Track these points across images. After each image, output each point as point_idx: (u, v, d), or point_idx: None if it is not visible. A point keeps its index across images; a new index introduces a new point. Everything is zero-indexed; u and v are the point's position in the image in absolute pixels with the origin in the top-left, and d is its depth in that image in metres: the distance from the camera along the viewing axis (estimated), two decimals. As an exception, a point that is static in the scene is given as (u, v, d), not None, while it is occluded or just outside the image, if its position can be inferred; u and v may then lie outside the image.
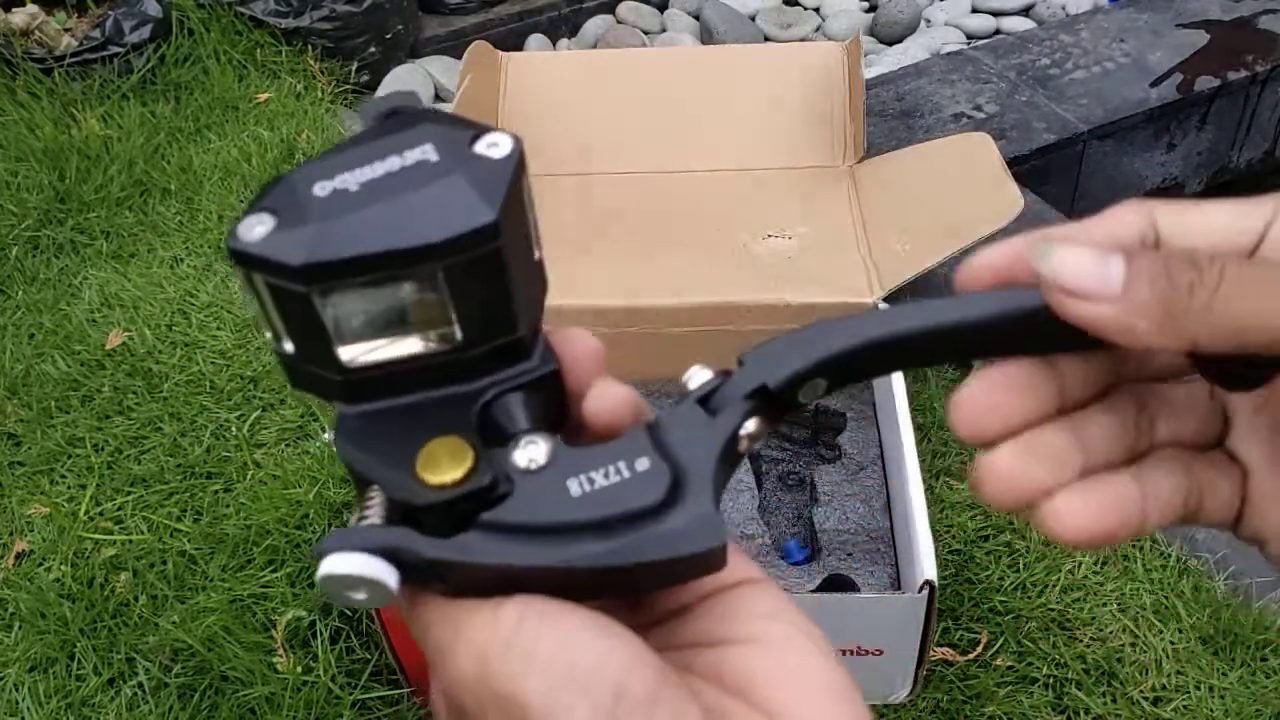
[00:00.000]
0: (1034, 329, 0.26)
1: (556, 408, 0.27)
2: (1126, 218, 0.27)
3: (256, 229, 0.24)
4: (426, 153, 0.25)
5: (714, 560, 0.25)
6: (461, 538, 0.24)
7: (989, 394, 0.27)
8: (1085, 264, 0.25)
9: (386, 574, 0.24)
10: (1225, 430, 0.29)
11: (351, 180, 0.24)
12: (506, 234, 0.24)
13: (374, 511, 0.25)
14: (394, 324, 0.25)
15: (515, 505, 0.25)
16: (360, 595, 0.24)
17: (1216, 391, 0.29)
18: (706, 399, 0.27)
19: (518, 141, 0.25)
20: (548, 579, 0.24)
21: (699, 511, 0.25)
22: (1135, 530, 0.27)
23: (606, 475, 0.25)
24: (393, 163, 0.24)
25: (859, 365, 0.27)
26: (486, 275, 0.25)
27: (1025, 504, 0.27)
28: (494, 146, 0.25)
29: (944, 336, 0.27)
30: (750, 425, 0.27)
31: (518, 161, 0.25)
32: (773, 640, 0.26)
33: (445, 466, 0.25)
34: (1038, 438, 0.27)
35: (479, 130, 0.25)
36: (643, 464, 0.25)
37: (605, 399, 0.27)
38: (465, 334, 0.25)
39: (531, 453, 0.25)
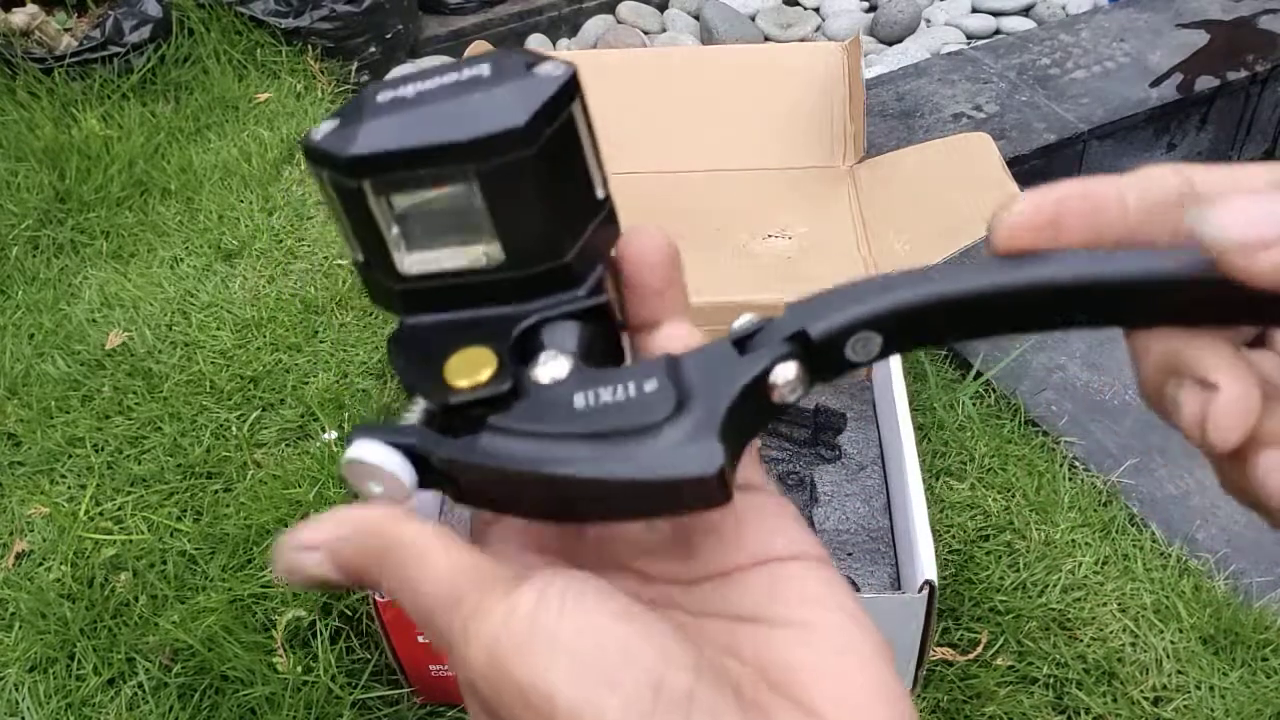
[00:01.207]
0: (1196, 295, 0.24)
1: (601, 340, 0.27)
2: (1168, 178, 0.26)
3: (324, 128, 0.26)
4: (482, 70, 0.26)
5: (705, 491, 0.24)
6: (469, 439, 0.25)
7: (1250, 394, 0.24)
8: (1254, 212, 0.22)
9: (402, 469, 0.25)
10: None
11: (410, 90, 0.26)
12: (545, 150, 0.25)
13: (411, 416, 0.26)
14: (443, 234, 0.26)
15: (520, 412, 0.25)
16: (378, 488, 0.25)
17: None
18: (743, 340, 0.26)
19: (572, 68, 0.26)
20: (534, 488, 0.24)
21: (693, 436, 0.24)
22: None
23: (613, 393, 0.25)
24: (450, 78, 0.26)
25: (927, 325, 0.25)
26: (523, 188, 0.25)
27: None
28: (549, 69, 0.26)
29: (1048, 299, 0.25)
30: (785, 371, 0.25)
31: (565, 84, 0.26)
32: (822, 630, 0.25)
33: (467, 371, 0.26)
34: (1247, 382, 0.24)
35: (541, 58, 0.26)
36: (650, 385, 0.25)
37: (639, 237, 0.27)
38: (508, 253, 0.26)
39: (552, 369, 0.26)
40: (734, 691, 0.23)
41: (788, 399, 0.25)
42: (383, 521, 0.25)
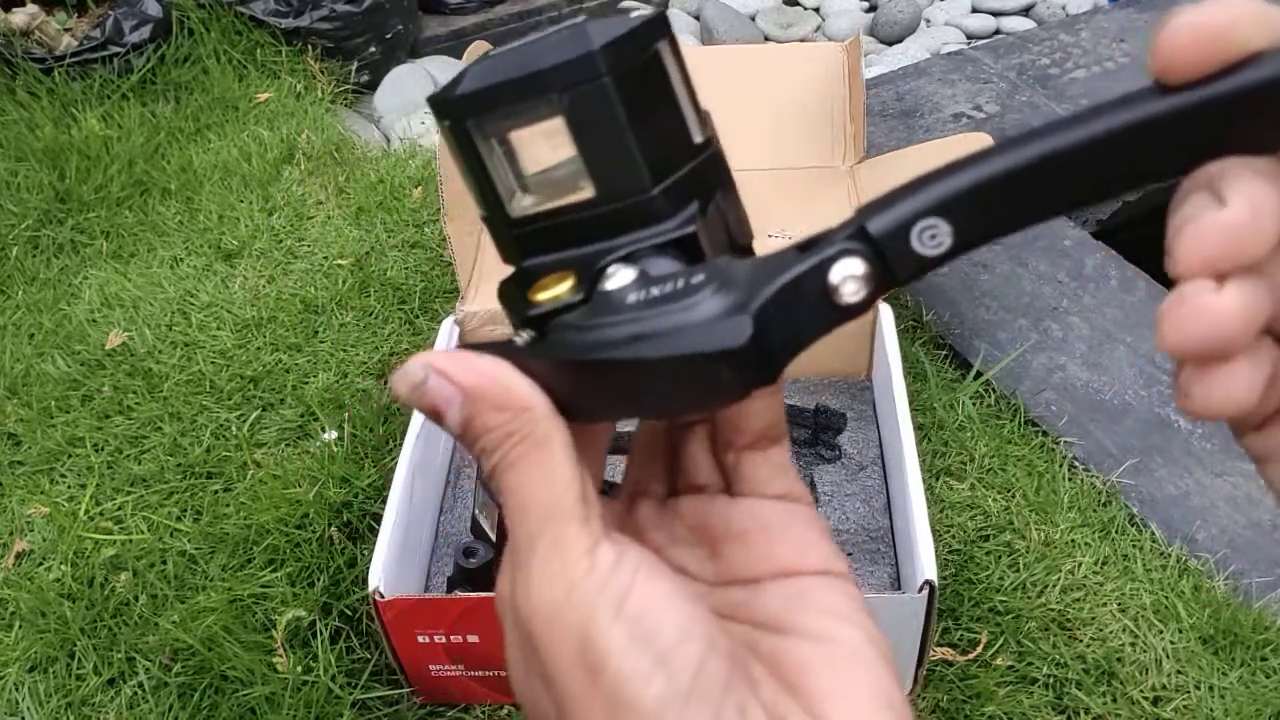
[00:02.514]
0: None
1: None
2: None
3: (446, 87, 0.28)
4: (578, 19, 0.27)
5: (738, 365, 0.24)
6: (540, 342, 0.27)
7: (1253, 223, 0.21)
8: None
9: None
10: None
11: (518, 42, 0.27)
12: (625, 79, 0.26)
13: (519, 339, 0.28)
14: (543, 173, 0.28)
15: (582, 313, 0.26)
16: None
17: None
18: (806, 245, 0.25)
19: (662, 11, 0.28)
20: (587, 379, 0.25)
21: (725, 315, 0.24)
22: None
23: (663, 287, 0.26)
24: (550, 29, 0.27)
25: (995, 202, 0.23)
26: (605, 117, 0.26)
27: (1211, 352, 0.22)
28: (638, 10, 0.27)
29: (1118, 149, 0.22)
30: (846, 267, 0.24)
31: (649, 21, 0.27)
32: (838, 644, 0.26)
33: (548, 288, 0.27)
34: (1255, 286, 0.21)
35: (635, 8, 0.27)
36: (698, 278, 0.25)
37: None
38: (598, 188, 0.27)
39: (619, 278, 0.27)
40: (756, 691, 0.24)
41: (853, 299, 0.24)
42: (528, 398, 0.25)
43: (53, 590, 1.12)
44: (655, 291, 0.26)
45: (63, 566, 1.15)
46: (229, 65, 1.99)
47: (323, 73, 2.04)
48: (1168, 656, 1.03)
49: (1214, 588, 1.08)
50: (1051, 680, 1.02)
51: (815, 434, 1.18)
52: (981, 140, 1.25)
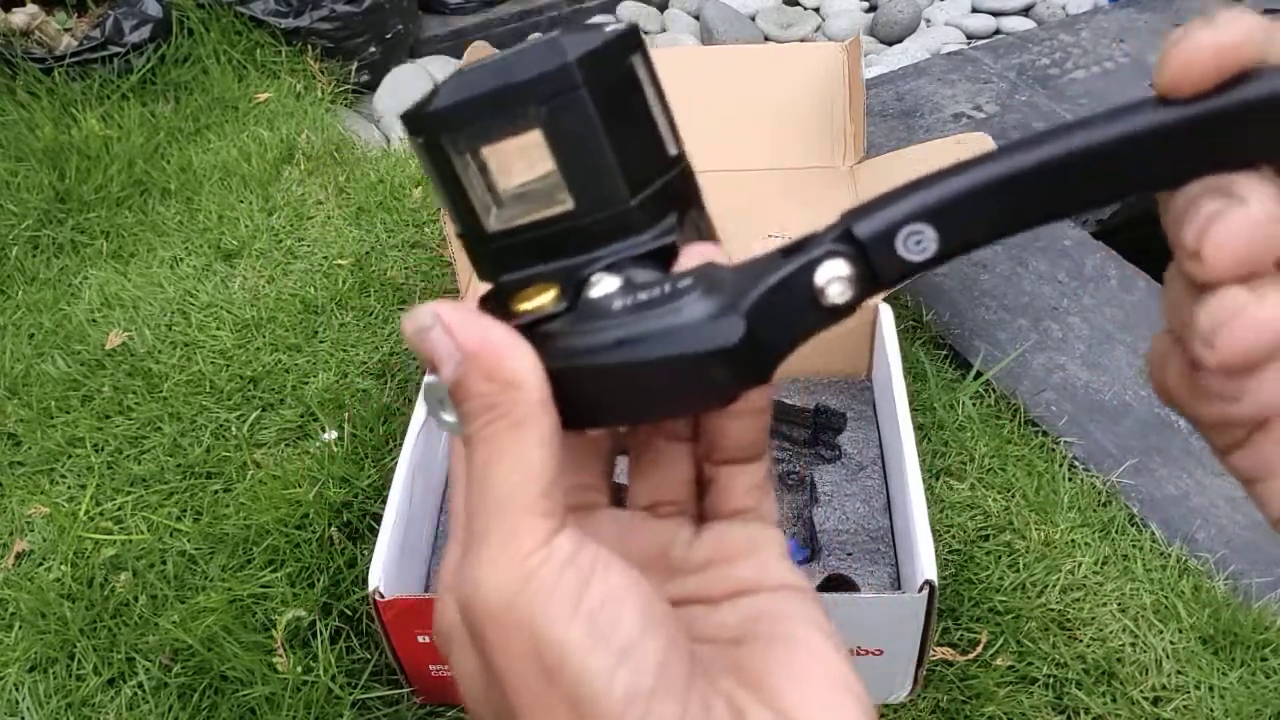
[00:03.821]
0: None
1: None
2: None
3: (418, 101, 0.28)
4: (553, 33, 0.27)
5: (732, 365, 0.24)
6: None
7: (1275, 222, 0.22)
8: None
9: None
10: None
11: (488, 58, 0.28)
12: (602, 90, 0.26)
13: None
14: (520, 188, 0.28)
15: (567, 320, 0.26)
16: (449, 416, 0.26)
17: None
18: (792, 248, 0.26)
19: (634, 24, 0.28)
20: (575, 386, 0.25)
21: (715, 315, 0.24)
22: None
23: (649, 292, 0.25)
24: (522, 44, 0.28)
25: (979, 211, 0.23)
26: (583, 128, 0.26)
27: (1262, 360, 0.22)
28: (610, 25, 0.27)
29: (1130, 153, 0.22)
30: (832, 269, 0.24)
31: (622, 34, 0.27)
32: (794, 642, 0.26)
33: (528, 297, 0.27)
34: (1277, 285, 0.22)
35: (608, 23, 0.27)
36: (684, 282, 0.25)
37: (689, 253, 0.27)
38: (576, 200, 0.27)
39: (603, 286, 0.27)
40: (715, 685, 0.24)
41: (839, 301, 0.25)
42: (520, 375, 0.25)
43: (53, 590, 1.12)
44: (643, 296, 0.25)
45: (63, 567, 1.15)
46: (229, 65, 1.99)
47: (323, 73, 2.04)
48: (1168, 656, 1.03)
49: (1214, 588, 1.08)
50: (1051, 680, 1.02)
51: (815, 434, 1.18)
52: (982, 140, 1.25)
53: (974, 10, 2.41)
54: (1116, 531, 1.13)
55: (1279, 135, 0.22)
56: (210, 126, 1.87)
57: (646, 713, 0.22)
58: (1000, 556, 1.12)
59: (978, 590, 1.08)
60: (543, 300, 0.27)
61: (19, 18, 1.91)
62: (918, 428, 1.22)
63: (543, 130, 0.26)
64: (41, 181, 1.72)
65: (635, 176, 0.27)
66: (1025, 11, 2.37)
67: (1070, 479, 1.19)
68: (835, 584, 0.99)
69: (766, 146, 1.34)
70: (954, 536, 1.13)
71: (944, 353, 1.36)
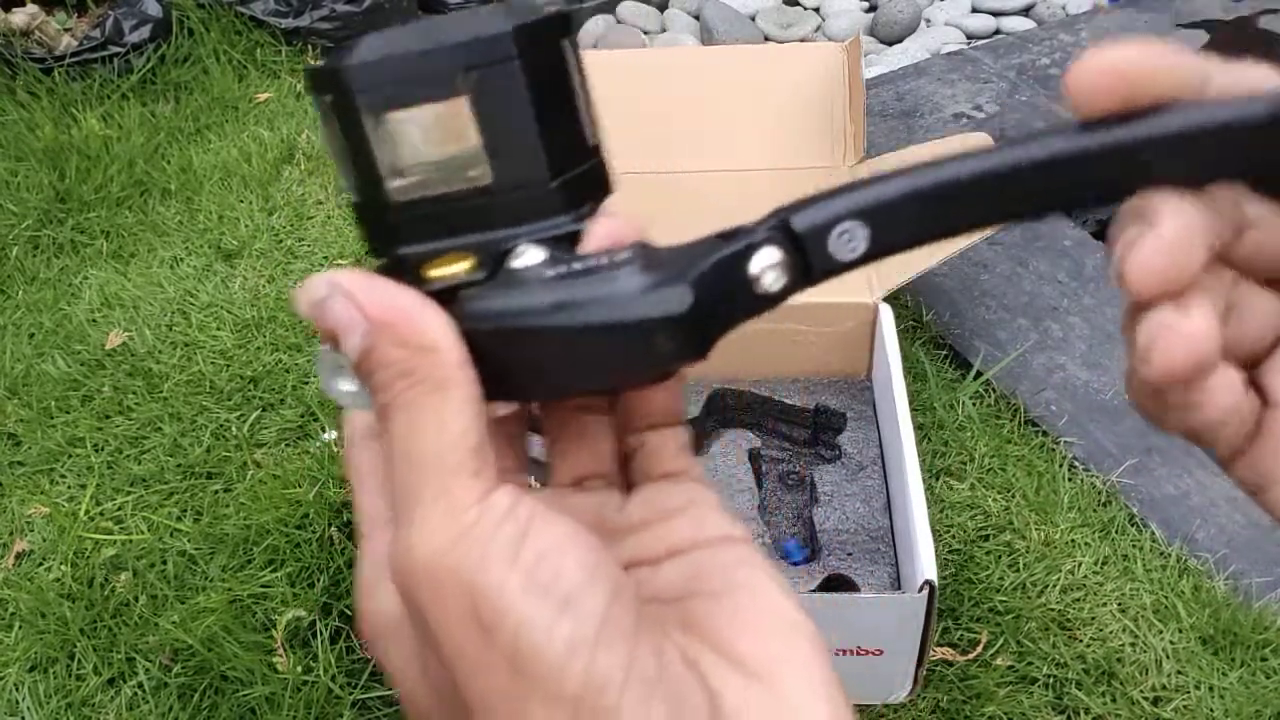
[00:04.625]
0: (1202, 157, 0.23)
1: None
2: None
3: (331, 58, 0.27)
4: (479, 8, 0.27)
5: (675, 336, 0.24)
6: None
7: (1186, 242, 0.23)
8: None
9: None
10: (1266, 356, 0.27)
11: (409, 22, 0.27)
12: (533, 65, 0.25)
13: None
14: (433, 157, 0.26)
15: (492, 285, 0.25)
16: (348, 385, 0.25)
17: None
18: (728, 234, 0.25)
19: (568, 10, 0.28)
20: (505, 350, 0.24)
21: (662, 283, 0.24)
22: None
23: (585, 261, 0.25)
24: (457, 12, 0.27)
25: (911, 212, 0.24)
26: (510, 100, 0.26)
27: (1195, 375, 0.24)
28: (545, 5, 0.27)
29: (1063, 172, 0.23)
30: (766, 257, 0.25)
31: (557, 16, 0.27)
32: (740, 589, 0.25)
33: (440, 265, 0.26)
34: (1208, 301, 0.24)
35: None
36: (622, 255, 0.25)
37: (602, 225, 0.26)
38: (495, 173, 0.26)
39: (527, 257, 0.26)
40: (665, 635, 0.23)
41: (772, 289, 0.25)
42: (436, 338, 0.23)
43: (53, 590, 1.12)
44: (577, 266, 0.25)
45: (63, 567, 1.15)
46: (229, 65, 1.99)
47: (323, 73, 2.04)
48: (1168, 656, 1.03)
49: (1214, 588, 1.08)
50: (1051, 680, 1.02)
51: (815, 434, 1.18)
52: (982, 140, 1.25)
53: (974, 10, 2.41)
54: (1116, 531, 1.13)
55: (1184, 165, 0.23)
56: (210, 126, 1.87)
57: (591, 662, 0.21)
58: (1000, 556, 1.12)
59: (978, 590, 1.08)
60: (457, 269, 0.26)
61: (19, 18, 1.91)
62: (918, 428, 1.22)
63: (470, 98, 0.25)
64: (41, 181, 1.72)
65: (557, 158, 0.26)
66: (1025, 11, 2.37)
67: (1070, 479, 1.19)
68: (835, 584, 0.99)
69: (766, 146, 1.34)
70: (954, 536, 1.13)
71: (944, 353, 1.36)
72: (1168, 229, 0.23)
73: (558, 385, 0.25)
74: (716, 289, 0.24)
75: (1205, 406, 0.25)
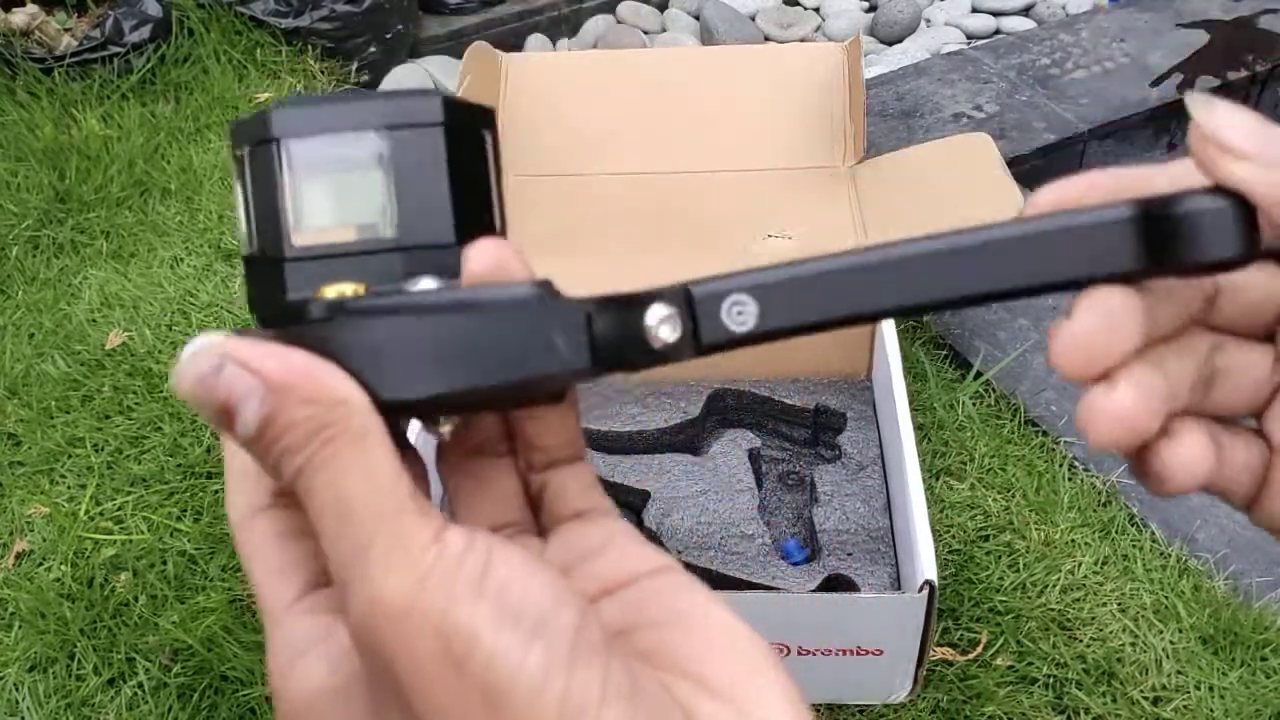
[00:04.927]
0: (1099, 249, 0.25)
1: None
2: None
3: (253, 116, 0.27)
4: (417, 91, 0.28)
5: (569, 335, 0.24)
6: (330, 321, 0.25)
7: (1103, 328, 0.25)
8: (1250, 123, 0.25)
9: None
10: (1265, 406, 0.27)
11: (346, 92, 0.27)
12: (458, 137, 0.27)
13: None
14: (340, 206, 0.27)
15: (380, 292, 0.26)
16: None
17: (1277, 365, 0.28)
18: (629, 296, 0.26)
19: (492, 108, 0.29)
20: (386, 338, 0.24)
21: (562, 326, 0.24)
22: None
23: (481, 291, 0.25)
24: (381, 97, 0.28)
25: (800, 298, 0.26)
26: (430, 160, 0.27)
27: (1135, 445, 0.25)
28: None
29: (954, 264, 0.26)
30: (660, 313, 0.25)
31: (486, 110, 0.28)
32: (687, 614, 0.25)
33: (332, 288, 0.26)
34: (1144, 376, 0.25)
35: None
36: (522, 290, 0.25)
37: (483, 251, 0.26)
38: (401, 231, 0.27)
39: (423, 284, 0.26)
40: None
41: (663, 340, 0.25)
42: (339, 387, 0.23)
43: (53, 590, 1.12)
44: (479, 294, 0.25)
45: (63, 567, 1.15)
46: (229, 65, 1.99)
47: (323, 73, 2.04)
48: (1168, 656, 1.03)
49: (1214, 588, 1.08)
50: (1051, 680, 1.02)
51: (815, 434, 1.18)
52: (982, 140, 1.25)
53: (974, 10, 2.41)
54: (1116, 531, 1.13)
55: (1061, 266, 0.25)
56: (210, 126, 1.87)
57: (567, 685, 0.21)
58: (1000, 556, 1.12)
59: (978, 590, 1.08)
60: (347, 290, 0.26)
61: (19, 18, 1.91)
62: (918, 428, 1.22)
63: (389, 154, 0.26)
64: (41, 181, 1.72)
65: (465, 224, 0.27)
66: (1025, 11, 2.37)
67: (1070, 479, 1.19)
68: (835, 584, 0.99)
69: (766, 146, 1.34)
70: (954, 536, 1.13)
71: (944, 353, 1.36)
72: (1080, 320, 0.24)
73: (448, 394, 0.25)
74: (611, 321, 0.25)
75: (1166, 482, 0.26)
